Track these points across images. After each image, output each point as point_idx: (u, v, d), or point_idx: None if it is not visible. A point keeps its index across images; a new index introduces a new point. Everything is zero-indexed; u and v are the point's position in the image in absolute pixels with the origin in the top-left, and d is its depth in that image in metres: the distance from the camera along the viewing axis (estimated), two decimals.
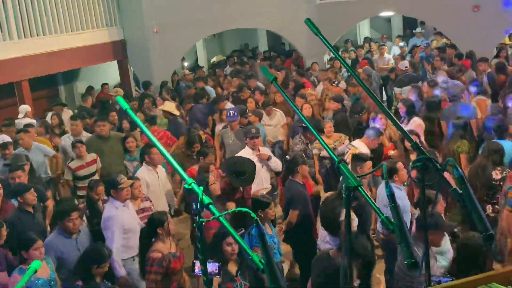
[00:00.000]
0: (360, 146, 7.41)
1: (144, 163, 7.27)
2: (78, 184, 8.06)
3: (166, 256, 5.11)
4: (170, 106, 10.10)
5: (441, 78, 10.30)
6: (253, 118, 9.41)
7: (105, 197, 6.81)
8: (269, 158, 7.53)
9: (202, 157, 7.32)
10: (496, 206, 6.26)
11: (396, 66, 12.84)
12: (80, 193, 7.94)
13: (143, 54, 14.40)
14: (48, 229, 6.81)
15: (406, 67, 12.23)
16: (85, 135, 8.98)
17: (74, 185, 8.08)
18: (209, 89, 12.61)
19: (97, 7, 13.69)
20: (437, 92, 9.78)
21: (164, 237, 5.27)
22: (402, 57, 13.92)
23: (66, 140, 9.01)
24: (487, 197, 6.40)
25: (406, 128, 8.46)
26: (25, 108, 11.06)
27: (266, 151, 7.74)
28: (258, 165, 7.38)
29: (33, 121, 10.12)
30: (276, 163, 7.67)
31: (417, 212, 5.75)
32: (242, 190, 6.60)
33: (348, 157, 7.56)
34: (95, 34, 13.61)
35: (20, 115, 10.87)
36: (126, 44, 14.65)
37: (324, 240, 5.52)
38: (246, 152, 7.38)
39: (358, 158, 6.49)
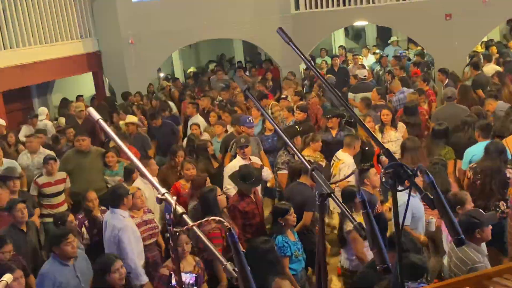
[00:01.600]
0: (344, 156, 7.46)
1: (139, 176, 7.06)
2: (42, 201, 7.74)
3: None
4: (133, 118, 9.95)
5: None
6: (220, 129, 9.26)
7: (103, 207, 6.70)
8: (261, 168, 7.55)
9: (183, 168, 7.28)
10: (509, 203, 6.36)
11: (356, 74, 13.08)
12: (44, 211, 7.66)
13: (119, 66, 14.33)
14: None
15: (365, 76, 12.51)
16: (42, 151, 8.70)
17: (39, 202, 7.71)
18: (172, 105, 12.53)
19: (71, 18, 13.59)
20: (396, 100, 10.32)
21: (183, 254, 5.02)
22: (362, 65, 14.14)
23: (23, 158, 8.74)
24: (501, 195, 6.42)
25: (396, 135, 8.58)
26: (44, 110, 11.26)
27: (257, 160, 7.75)
28: None
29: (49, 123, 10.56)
30: (267, 173, 7.71)
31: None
32: (255, 201, 6.49)
33: (333, 169, 7.60)
34: (69, 46, 13.50)
35: (40, 117, 11.04)
36: (101, 56, 14.56)
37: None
38: (238, 162, 7.37)
39: (361, 171, 6.56)
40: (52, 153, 8.64)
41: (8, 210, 6.09)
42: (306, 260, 6.00)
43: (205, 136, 9.46)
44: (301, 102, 10.67)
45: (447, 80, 11.20)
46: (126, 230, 5.67)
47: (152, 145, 9.81)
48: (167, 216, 1.75)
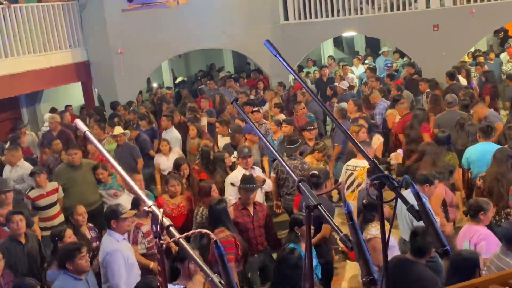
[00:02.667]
0: (366, 164, 7.35)
1: (125, 190, 7.01)
2: (38, 215, 7.62)
3: None
4: (120, 129, 9.85)
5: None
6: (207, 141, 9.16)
7: (89, 224, 6.56)
8: (264, 182, 7.47)
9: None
10: None
11: (338, 86, 13.15)
12: (41, 225, 7.55)
13: (108, 75, 14.30)
14: None
15: (347, 87, 12.62)
16: (20, 164, 8.57)
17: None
18: (151, 117, 12.30)
19: (60, 28, 13.55)
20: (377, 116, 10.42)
21: (187, 273, 4.90)
22: (341, 77, 14.23)
23: (6, 170, 8.61)
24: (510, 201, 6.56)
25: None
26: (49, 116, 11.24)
27: (259, 172, 7.65)
28: None
29: None
30: (268, 184, 7.65)
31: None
32: (252, 216, 6.38)
33: (356, 177, 7.44)
34: (58, 56, 13.46)
35: (46, 123, 11.11)
36: (90, 65, 14.53)
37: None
38: (239, 172, 7.29)
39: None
40: (29, 167, 8.45)
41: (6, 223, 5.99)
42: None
43: (176, 153, 9.32)
44: (282, 115, 10.65)
45: (428, 89, 11.42)
46: (116, 254, 5.41)
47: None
48: (154, 229, 1.75)
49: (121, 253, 5.44)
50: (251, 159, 7.51)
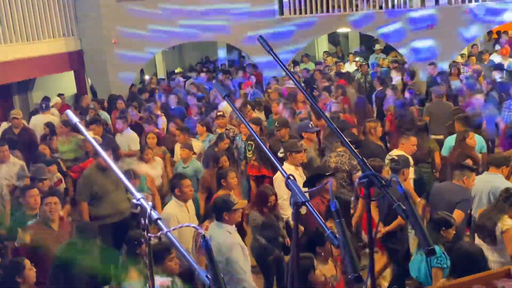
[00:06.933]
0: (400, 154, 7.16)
1: (173, 197, 6.20)
2: None
3: (328, 280, 4.68)
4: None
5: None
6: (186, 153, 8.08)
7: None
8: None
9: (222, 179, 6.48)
10: None
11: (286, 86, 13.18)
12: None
13: (101, 65, 14.26)
14: None
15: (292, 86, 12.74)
16: (12, 161, 7.77)
17: None
18: (105, 115, 11.65)
19: (54, 16, 13.50)
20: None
21: (325, 257, 4.84)
22: (299, 76, 14.22)
23: None
24: None
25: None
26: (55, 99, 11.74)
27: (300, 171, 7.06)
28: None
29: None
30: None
31: None
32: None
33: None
34: (51, 44, 13.41)
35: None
36: (84, 55, 14.48)
37: None
38: (287, 168, 6.57)
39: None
40: (22, 163, 7.92)
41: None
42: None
43: (159, 161, 8.44)
44: (255, 114, 9.96)
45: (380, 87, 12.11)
46: (236, 248, 5.08)
47: None
48: (142, 222, 1.76)
49: (239, 246, 5.24)
50: (301, 154, 6.92)
